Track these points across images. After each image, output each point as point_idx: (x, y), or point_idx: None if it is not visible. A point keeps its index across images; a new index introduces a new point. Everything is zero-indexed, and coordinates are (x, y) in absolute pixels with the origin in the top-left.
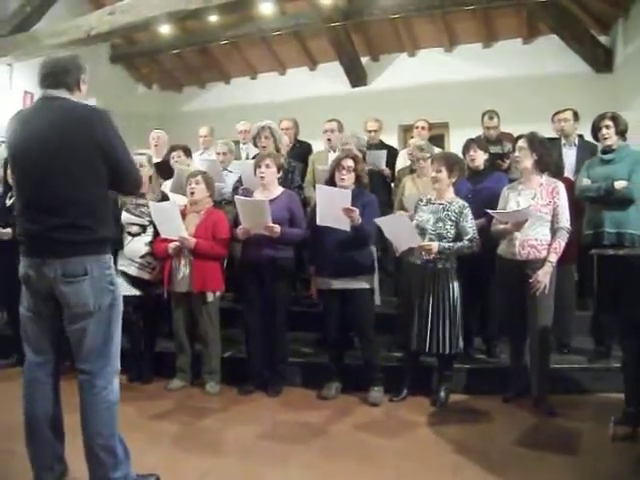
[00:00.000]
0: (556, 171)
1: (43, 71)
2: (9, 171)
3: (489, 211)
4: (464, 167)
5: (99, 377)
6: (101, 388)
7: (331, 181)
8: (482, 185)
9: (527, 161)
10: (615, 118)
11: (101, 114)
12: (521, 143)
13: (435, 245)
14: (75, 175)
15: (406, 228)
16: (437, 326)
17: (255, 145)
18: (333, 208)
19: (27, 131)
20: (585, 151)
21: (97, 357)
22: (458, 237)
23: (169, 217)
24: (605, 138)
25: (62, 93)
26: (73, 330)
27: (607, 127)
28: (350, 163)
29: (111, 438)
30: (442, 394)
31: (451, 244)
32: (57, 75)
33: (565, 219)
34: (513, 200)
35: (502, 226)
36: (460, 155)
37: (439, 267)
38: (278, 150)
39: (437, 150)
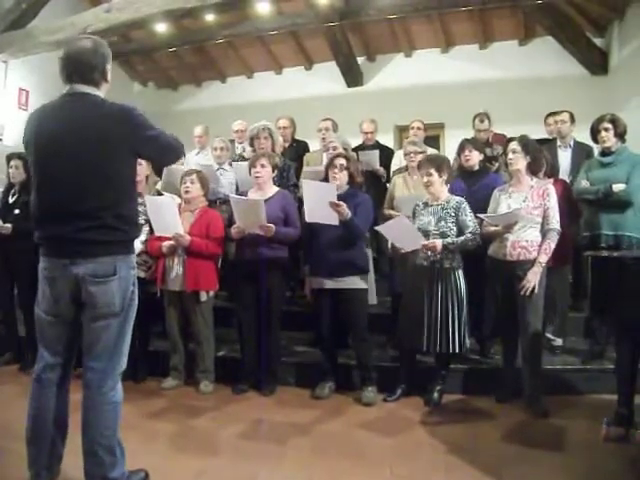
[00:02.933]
0: (551, 172)
1: (68, 66)
2: (12, 170)
3: (480, 215)
4: (450, 165)
5: (108, 376)
6: (109, 388)
7: (326, 180)
8: (477, 186)
9: (520, 163)
10: (614, 120)
11: (128, 111)
12: (514, 146)
13: (439, 242)
14: (108, 176)
15: (408, 230)
16: (447, 325)
17: (251, 145)
18: (320, 203)
19: (54, 129)
20: (580, 153)
21: (109, 355)
22: (460, 233)
23: (166, 213)
24: (604, 141)
25: (90, 89)
26: (94, 328)
27: (606, 129)
28: (342, 161)
29: (113, 438)
30: (435, 394)
31: (455, 239)
32: (84, 73)
33: (555, 221)
34: (504, 203)
35: (493, 228)
36: (450, 156)
37: (446, 267)
38: (274, 151)
39: (430, 150)
